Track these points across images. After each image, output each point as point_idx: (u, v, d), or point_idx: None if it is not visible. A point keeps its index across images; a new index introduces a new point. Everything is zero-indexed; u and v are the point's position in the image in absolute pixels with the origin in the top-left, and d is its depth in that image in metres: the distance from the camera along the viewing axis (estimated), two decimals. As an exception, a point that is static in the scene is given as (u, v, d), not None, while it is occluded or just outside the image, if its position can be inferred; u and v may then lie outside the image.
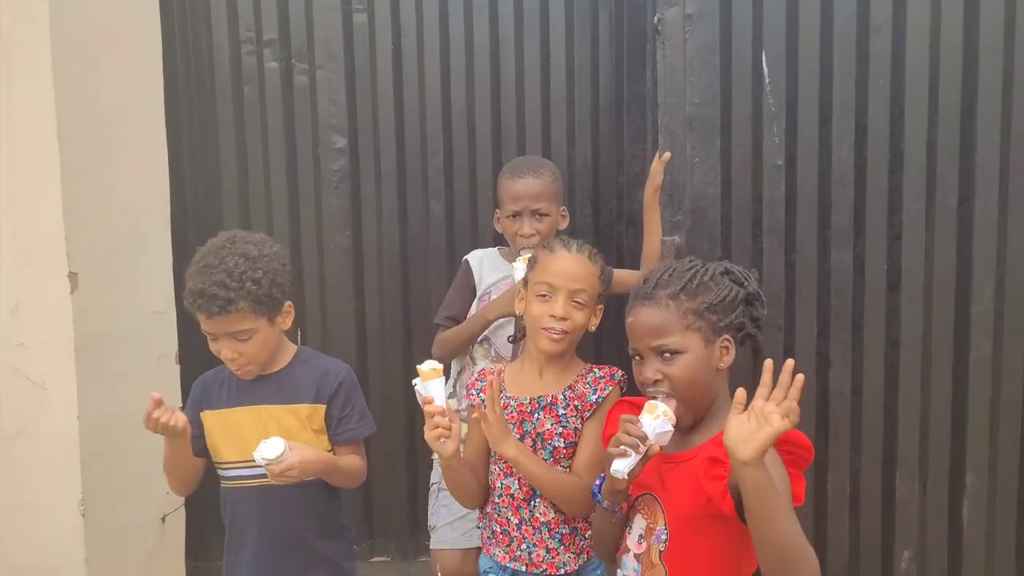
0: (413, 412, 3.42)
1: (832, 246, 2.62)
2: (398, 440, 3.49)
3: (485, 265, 2.74)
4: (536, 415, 2.03)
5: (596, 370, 2.10)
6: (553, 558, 2.05)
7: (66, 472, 2.74)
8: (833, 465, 2.69)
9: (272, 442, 1.92)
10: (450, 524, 2.68)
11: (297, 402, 2.10)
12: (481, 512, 2.16)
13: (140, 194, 3.09)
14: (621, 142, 3.44)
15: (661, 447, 1.66)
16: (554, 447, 2.03)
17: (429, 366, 1.92)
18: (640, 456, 1.63)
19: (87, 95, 2.79)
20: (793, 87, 2.61)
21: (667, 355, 1.72)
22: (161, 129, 3.21)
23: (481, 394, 2.07)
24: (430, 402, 1.90)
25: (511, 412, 2.04)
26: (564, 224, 2.75)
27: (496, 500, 2.08)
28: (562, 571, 2.05)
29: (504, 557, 2.08)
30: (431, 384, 1.91)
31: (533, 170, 2.67)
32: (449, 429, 1.88)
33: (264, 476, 2.00)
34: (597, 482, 1.78)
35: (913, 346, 2.60)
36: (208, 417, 2.16)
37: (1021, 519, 2.62)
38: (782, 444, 1.60)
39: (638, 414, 1.84)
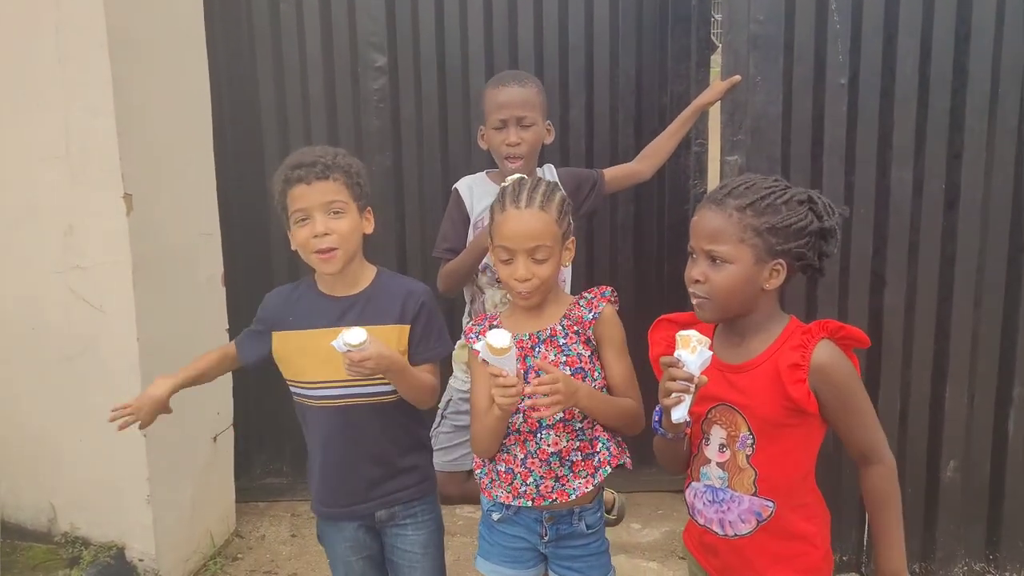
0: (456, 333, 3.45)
1: (892, 166, 2.63)
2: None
3: (475, 191, 2.72)
4: (537, 349, 2.01)
5: (586, 294, 2.10)
6: (563, 486, 2.01)
7: (127, 391, 2.73)
8: (885, 378, 2.76)
9: (355, 330, 1.92)
10: (444, 449, 2.76)
11: (383, 323, 2.10)
12: (479, 458, 2.13)
13: (185, 115, 3.05)
14: (665, 61, 3.42)
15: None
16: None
17: (499, 342, 1.84)
18: (693, 394, 1.66)
19: (133, 11, 2.73)
20: (859, 3, 2.59)
21: (716, 261, 1.75)
22: (202, 48, 3.15)
23: (480, 336, 1.99)
24: (501, 374, 1.87)
25: (513, 350, 1.97)
26: (550, 139, 2.75)
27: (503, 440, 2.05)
28: (573, 496, 2.01)
29: (507, 496, 2.03)
30: (503, 359, 1.87)
31: (518, 80, 2.67)
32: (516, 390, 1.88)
33: (348, 396, 2.07)
34: (656, 417, 1.81)
35: (968, 264, 2.65)
36: (287, 338, 2.15)
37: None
38: (842, 338, 1.77)
39: (675, 331, 1.87)
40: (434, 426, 2.80)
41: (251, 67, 3.45)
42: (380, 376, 2.02)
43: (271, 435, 3.67)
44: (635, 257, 3.60)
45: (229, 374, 3.24)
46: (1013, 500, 2.75)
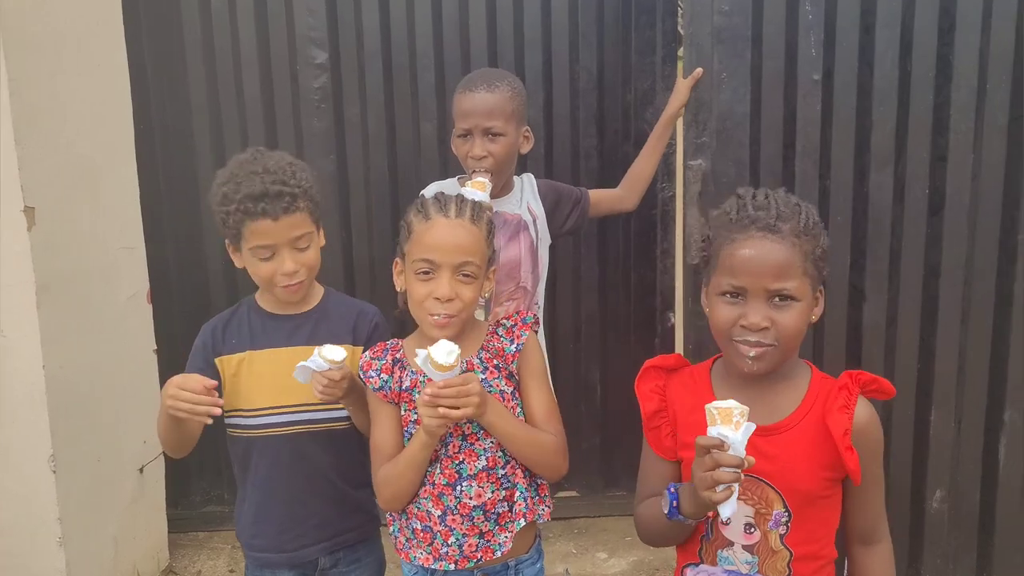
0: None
1: (871, 169, 2.41)
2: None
3: None
4: None
5: (505, 320, 1.87)
6: (488, 542, 1.78)
7: (34, 426, 2.51)
8: (864, 402, 2.53)
9: (333, 347, 1.76)
10: None
11: (335, 343, 1.88)
12: (390, 513, 1.87)
13: (100, 118, 2.79)
14: (628, 56, 3.19)
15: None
16: None
17: (445, 358, 1.63)
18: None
19: (33, 5, 2.47)
20: (833, -8, 2.36)
21: (780, 300, 1.53)
22: (120, 44, 2.90)
23: (382, 375, 1.79)
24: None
25: (423, 390, 1.75)
26: (528, 147, 2.50)
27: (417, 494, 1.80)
28: (499, 553, 1.79)
29: (427, 559, 1.79)
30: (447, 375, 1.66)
31: (487, 83, 2.38)
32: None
33: (299, 424, 1.92)
34: (671, 499, 1.55)
35: (954, 276, 2.43)
36: (230, 361, 1.95)
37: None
38: (872, 392, 1.59)
39: (663, 380, 1.68)
40: None
41: (180, 64, 3.18)
42: (333, 401, 1.85)
43: (210, 460, 3.42)
44: (600, 265, 3.37)
45: (158, 394, 3.01)
46: (1004, 532, 2.53)
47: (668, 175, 3.29)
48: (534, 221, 2.46)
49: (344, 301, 2.08)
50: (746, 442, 1.41)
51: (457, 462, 1.76)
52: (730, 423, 1.41)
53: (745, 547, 1.61)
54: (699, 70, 2.40)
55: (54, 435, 2.52)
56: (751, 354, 1.54)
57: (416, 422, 1.76)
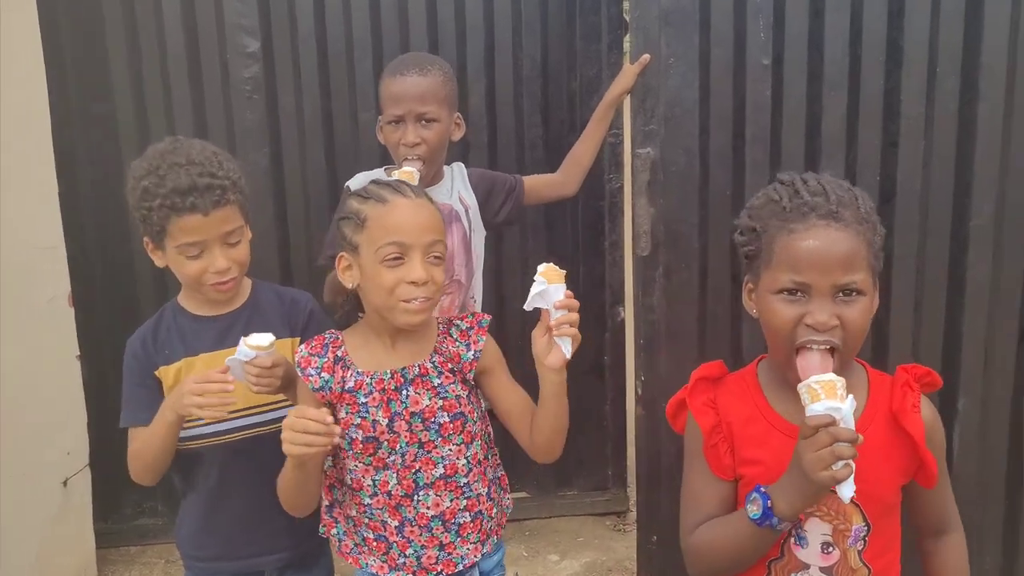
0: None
1: (822, 156, 2.34)
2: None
3: None
4: (404, 391, 1.67)
5: (458, 322, 1.77)
6: (449, 554, 1.71)
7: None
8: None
9: (259, 334, 1.67)
10: None
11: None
12: (330, 516, 1.79)
13: (13, 109, 2.61)
14: (573, 42, 3.11)
15: None
16: (440, 424, 1.68)
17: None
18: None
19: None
20: (781, -25, 2.28)
21: (844, 295, 1.41)
22: (34, 29, 2.72)
23: (323, 373, 1.67)
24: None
25: (370, 392, 1.67)
26: (459, 134, 2.42)
27: (365, 501, 1.70)
28: (460, 566, 1.72)
29: (382, 567, 1.72)
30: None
31: (419, 66, 2.29)
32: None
33: (249, 428, 1.85)
34: (760, 501, 1.40)
35: (906, 264, 2.37)
36: (168, 373, 1.84)
37: (1012, 447, 2.47)
38: (927, 386, 1.55)
39: (712, 392, 1.58)
40: None
41: (102, 54, 3.01)
42: (283, 398, 1.79)
43: (143, 470, 3.26)
44: (547, 258, 3.24)
45: (82, 403, 2.86)
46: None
47: (616, 166, 3.23)
48: (466, 211, 2.37)
49: (274, 291, 1.99)
50: (853, 420, 1.30)
51: (414, 471, 1.67)
52: (835, 395, 1.29)
53: (823, 569, 1.50)
54: (646, 56, 2.32)
55: (-33, 449, 2.36)
56: (819, 354, 1.41)
57: (359, 426, 1.66)
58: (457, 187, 2.42)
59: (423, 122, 2.26)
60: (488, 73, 3.09)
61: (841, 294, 1.42)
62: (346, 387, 1.68)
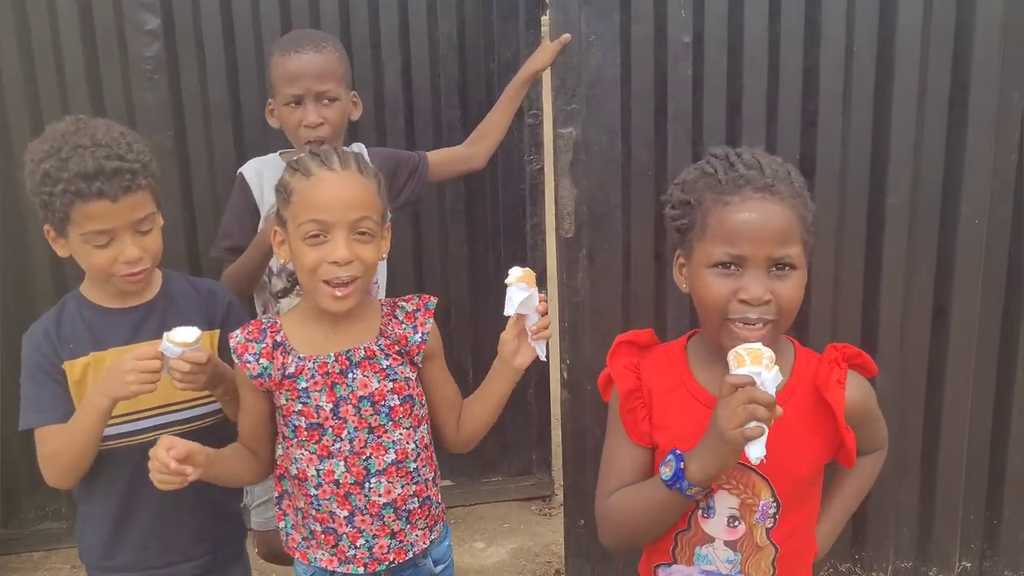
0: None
1: (743, 134, 2.33)
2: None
3: (265, 178, 2.24)
4: (351, 374, 1.60)
5: (403, 304, 1.71)
6: (400, 542, 1.66)
7: None
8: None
9: (183, 328, 1.55)
10: (265, 503, 2.32)
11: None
12: (279, 508, 1.72)
13: None
14: (490, 20, 3.04)
15: None
16: (391, 407, 1.63)
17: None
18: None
19: None
20: (700, -49, 2.26)
21: (779, 269, 1.39)
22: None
23: (261, 360, 1.60)
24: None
25: (312, 376, 1.59)
26: (357, 113, 2.36)
27: (311, 492, 1.63)
28: (411, 553, 1.68)
29: (331, 561, 1.65)
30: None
31: (314, 43, 2.20)
32: None
33: (164, 427, 1.71)
34: (674, 463, 1.38)
35: (825, 242, 2.38)
36: (72, 369, 1.69)
37: (928, 424, 2.52)
38: (857, 366, 1.52)
39: (636, 357, 1.55)
40: None
41: (-13, 31, 2.80)
42: (202, 395, 1.67)
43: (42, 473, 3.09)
44: (469, 243, 3.23)
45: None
46: (877, 498, 2.53)
47: (536, 147, 3.18)
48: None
49: (189, 282, 1.88)
50: (775, 386, 1.28)
51: (364, 457, 1.61)
52: (760, 363, 1.28)
53: (727, 543, 1.48)
54: (567, 36, 2.27)
55: None
56: (753, 332, 1.38)
57: (301, 413, 1.59)
58: None
59: (324, 101, 2.17)
60: (403, 52, 3.00)
61: (775, 268, 1.40)
62: (287, 373, 1.60)
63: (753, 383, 1.27)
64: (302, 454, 1.62)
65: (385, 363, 1.63)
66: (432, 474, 1.73)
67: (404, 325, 1.68)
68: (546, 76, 2.53)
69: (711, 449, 1.33)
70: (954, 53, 2.30)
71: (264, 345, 1.61)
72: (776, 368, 1.29)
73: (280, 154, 2.31)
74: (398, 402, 1.63)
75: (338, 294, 1.55)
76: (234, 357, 1.62)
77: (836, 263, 2.41)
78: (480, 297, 3.24)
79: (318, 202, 1.54)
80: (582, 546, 2.58)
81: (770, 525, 1.47)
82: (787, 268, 1.40)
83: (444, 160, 2.53)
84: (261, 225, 2.22)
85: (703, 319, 1.51)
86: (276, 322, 1.66)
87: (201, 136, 2.95)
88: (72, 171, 1.57)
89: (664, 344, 1.63)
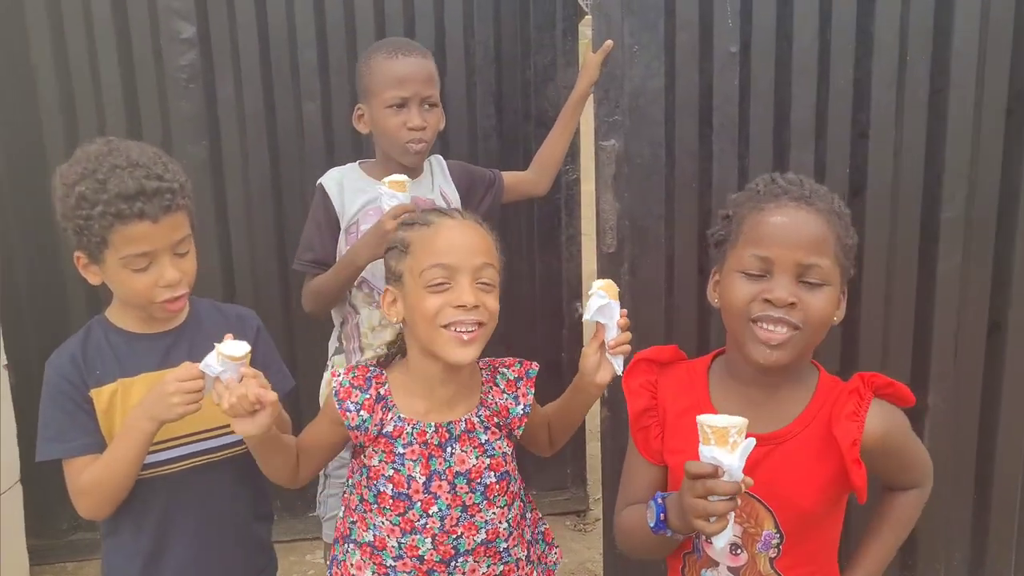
0: (294, 357, 2.95)
1: (791, 147, 2.27)
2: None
3: (346, 189, 2.20)
4: (450, 448, 1.54)
5: (504, 369, 1.65)
6: None
7: None
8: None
9: (234, 341, 1.50)
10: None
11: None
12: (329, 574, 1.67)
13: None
14: (527, 29, 3.00)
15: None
16: (486, 485, 1.57)
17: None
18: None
19: None
20: (749, -42, 2.20)
21: (809, 282, 1.38)
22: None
23: (363, 411, 1.56)
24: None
25: (410, 444, 1.53)
26: (442, 125, 2.30)
27: (387, 562, 1.55)
28: None
29: None
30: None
31: (420, 50, 2.20)
32: None
33: (201, 454, 1.68)
34: (658, 511, 1.39)
35: (876, 258, 2.31)
36: (100, 396, 1.64)
37: (983, 442, 2.44)
38: (888, 396, 1.47)
39: (655, 375, 1.54)
40: (319, 490, 2.32)
41: (22, 39, 2.80)
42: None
43: (77, 484, 3.09)
44: (504, 252, 3.16)
45: (11, 415, 2.67)
46: (927, 521, 2.45)
47: (572, 156, 3.13)
48: (448, 207, 2.24)
49: (217, 308, 1.84)
50: (744, 463, 1.24)
51: (454, 536, 1.54)
52: (725, 444, 1.23)
53: (731, 569, 1.47)
54: (609, 43, 2.22)
55: None
56: (772, 342, 1.36)
57: (391, 480, 1.55)
58: (438, 181, 2.31)
59: (427, 106, 2.16)
60: (439, 61, 2.92)
61: (805, 280, 1.39)
62: (384, 430, 1.55)
63: (714, 472, 1.24)
64: (383, 523, 1.56)
65: (484, 437, 1.58)
66: (525, 552, 1.66)
67: (505, 395, 1.62)
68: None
69: (682, 516, 1.32)
70: (1012, 61, 2.22)
71: (368, 396, 1.56)
72: (745, 442, 1.25)
73: (360, 164, 2.28)
74: (494, 479, 1.57)
75: (464, 338, 1.48)
76: (334, 400, 1.58)
77: (887, 278, 2.33)
78: (515, 306, 3.18)
79: (442, 248, 1.50)
80: (619, 567, 2.52)
81: (774, 555, 1.45)
82: (817, 281, 1.39)
83: (515, 182, 2.52)
84: (342, 240, 2.19)
85: (728, 324, 1.49)
86: (383, 372, 1.61)
87: (236, 146, 2.93)
88: (112, 192, 1.52)
89: (688, 361, 1.62)
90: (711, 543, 1.36)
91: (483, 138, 3.03)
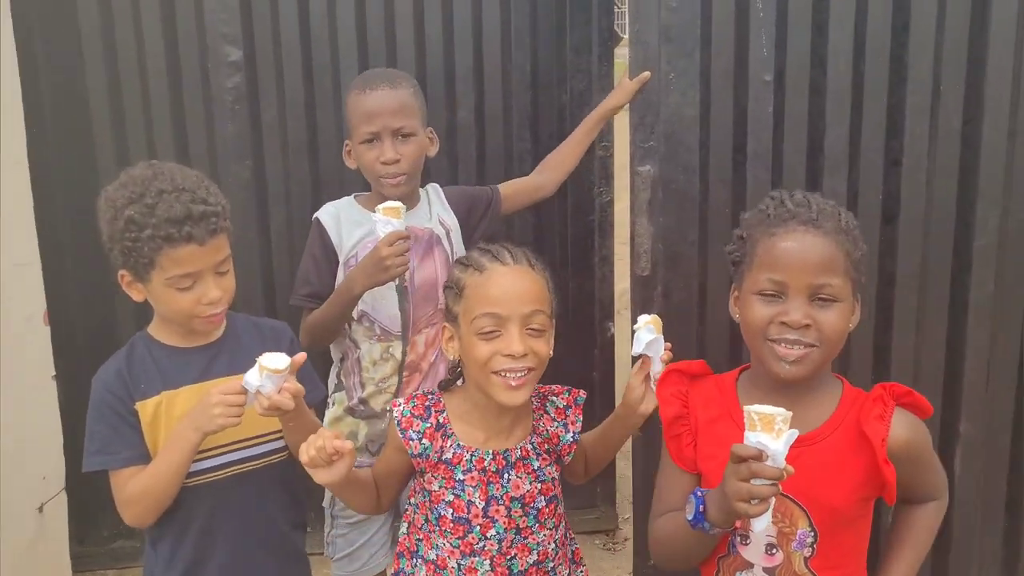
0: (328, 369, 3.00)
1: (824, 174, 2.30)
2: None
3: (343, 222, 2.23)
4: (507, 475, 1.61)
5: (553, 398, 1.71)
6: None
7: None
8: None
9: (274, 354, 1.57)
10: (348, 556, 2.31)
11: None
12: None
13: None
14: (563, 55, 3.05)
15: None
16: (538, 509, 1.64)
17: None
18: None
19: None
20: (784, -11, 2.24)
21: (822, 299, 1.46)
22: (8, 37, 2.61)
23: (424, 440, 1.62)
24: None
25: (470, 471, 1.60)
26: (434, 150, 2.32)
27: None
28: None
29: None
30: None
31: (389, 81, 2.19)
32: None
33: (241, 462, 1.77)
34: (697, 504, 1.43)
35: (909, 284, 2.33)
36: (145, 409, 1.72)
37: (1014, 471, 2.44)
38: (908, 405, 1.54)
39: (685, 386, 1.60)
40: (327, 531, 2.34)
41: (77, 63, 2.91)
42: (276, 429, 1.75)
43: (119, 493, 3.16)
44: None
45: (58, 425, 2.75)
46: (959, 547, 2.46)
47: (606, 179, 3.17)
48: (447, 234, 2.28)
49: (250, 321, 1.92)
50: (787, 451, 1.29)
51: (509, 558, 1.61)
52: (771, 430, 1.29)
53: (766, 569, 1.52)
54: (646, 74, 2.26)
55: (-61, 479, 2.25)
56: (790, 358, 1.45)
57: (451, 504, 1.62)
58: (436, 209, 2.32)
59: (400, 137, 2.16)
60: (477, 86, 3.02)
61: (818, 299, 1.47)
62: (443, 457, 1.61)
63: (759, 455, 1.30)
64: (444, 544, 1.62)
65: (536, 464, 1.65)
66: (567, 571, 1.73)
67: (555, 422, 1.69)
68: (621, 111, 2.53)
69: (723, 505, 1.37)
70: (1047, 92, 2.25)
71: (428, 425, 1.63)
72: (788, 431, 1.30)
73: (355, 197, 2.31)
74: (545, 503, 1.64)
75: (513, 383, 1.54)
76: (396, 429, 1.64)
77: (919, 305, 2.35)
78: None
79: (493, 296, 1.55)
80: (650, 584, 2.55)
81: (808, 554, 1.50)
82: (829, 299, 1.47)
83: (515, 191, 2.51)
84: (340, 274, 2.21)
85: (748, 342, 1.58)
86: (440, 400, 1.67)
87: (279, 166, 3.00)
88: (160, 216, 1.60)
89: (716, 375, 1.69)
90: (747, 543, 1.42)
91: (518, 160, 3.08)
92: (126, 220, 1.61)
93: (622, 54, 2.64)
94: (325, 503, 2.32)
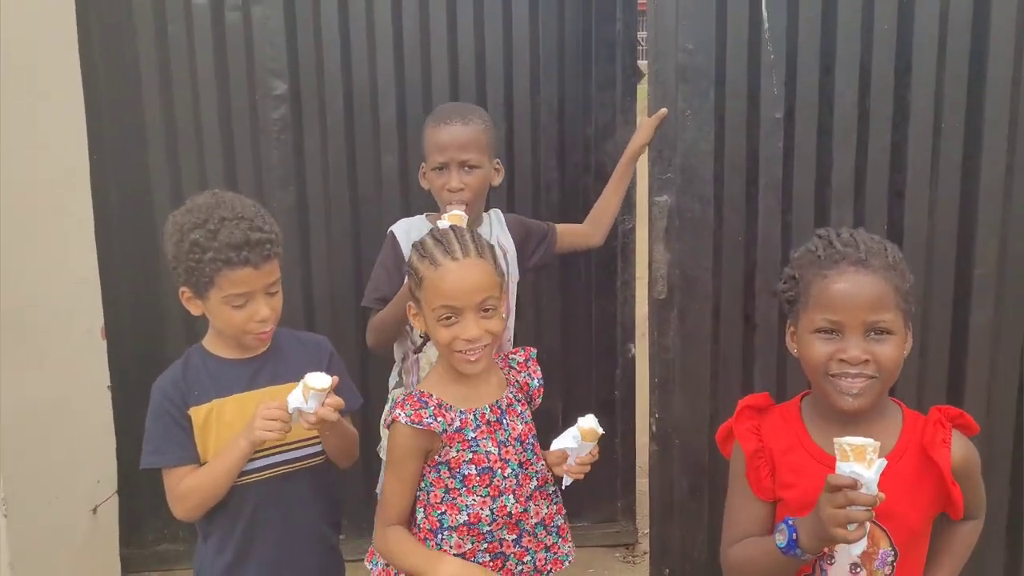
0: (366, 382, 3.17)
1: (831, 205, 2.45)
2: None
3: (413, 236, 2.35)
4: (505, 420, 1.87)
5: (512, 356, 1.99)
6: (555, 554, 1.93)
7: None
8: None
9: (317, 374, 1.75)
10: None
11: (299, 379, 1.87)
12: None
13: (54, 148, 2.71)
14: (588, 89, 3.21)
15: None
16: (532, 444, 1.91)
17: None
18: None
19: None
20: (794, 33, 2.40)
21: (876, 334, 1.56)
22: (75, 72, 2.82)
23: (437, 418, 1.81)
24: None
25: (478, 426, 1.83)
26: (499, 179, 2.51)
27: (483, 530, 1.82)
28: (565, 563, 1.95)
29: None
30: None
31: (461, 116, 2.40)
32: None
33: (284, 464, 1.93)
34: (787, 532, 1.53)
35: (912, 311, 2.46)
36: (197, 414, 1.90)
37: (1014, 497, 2.55)
38: (960, 427, 1.66)
39: (757, 420, 1.70)
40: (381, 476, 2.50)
41: (136, 95, 3.11)
42: (313, 434, 1.88)
43: (164, 497, 3.32)
44: (562, 297, 3.38)
45: (112, 432, 2.93)
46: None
47: (628, 208, 3.31)
48: (504, 256, 2.46)
49: (293, 336, 2.08)
50: (878, 478, 1.40)
51: (523, 488, 1.86)
52: (863, 460, 1.40)
53: None
54: (664, 110, 2.42)
55: (5, 478, 2.43)
56: (853, 391, 1.56)
57: (472, 461, 1.81)
58: (496, 232, 2.51)
59: (466, 168, 2.36)
60: (507, 118, 3.18)
61: (873, 333, 1.57)
62: (454, 427, 1.82)
63: (854, 484, 1.39)
64: (473, 500, 1.81)
65: (519, 408, 1.91)
66: (556, 497, 1.96)
67: (521, 374, 1.96)
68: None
69: (817, 532, 1.46)
70: (1042, 129, 2.38)
71: (431, 408, 1.82)
72: (879, 461, 1.41)
73: (427, 216, 2.50)
74: (532, 439, 1.90)
75: (471, 358, 1.78)
76: (412, 428, 1.80)
77: (923, 330, 2.47)
78: (571, 348, 3.38)
79: (446, 291, 1.76)
80: (666, 596, 2.67)
81: (888, 572, 1.61)
82: (883, 332, 1.57)
83: (570, 232, 2.68)
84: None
85: (810, 377, 1.67)
86: (423, 390, 1.87)
87: (320, 193, 3.17)
88: (222, 241, 1.78)
89: (779, 406, 1.79)
90: (831, 563, 1.54)
91: (545, 189, 3.23)
92: (191, 243, 1.80)
93: (644, 89, 2.79)
94: (379, 448, 2.46)
